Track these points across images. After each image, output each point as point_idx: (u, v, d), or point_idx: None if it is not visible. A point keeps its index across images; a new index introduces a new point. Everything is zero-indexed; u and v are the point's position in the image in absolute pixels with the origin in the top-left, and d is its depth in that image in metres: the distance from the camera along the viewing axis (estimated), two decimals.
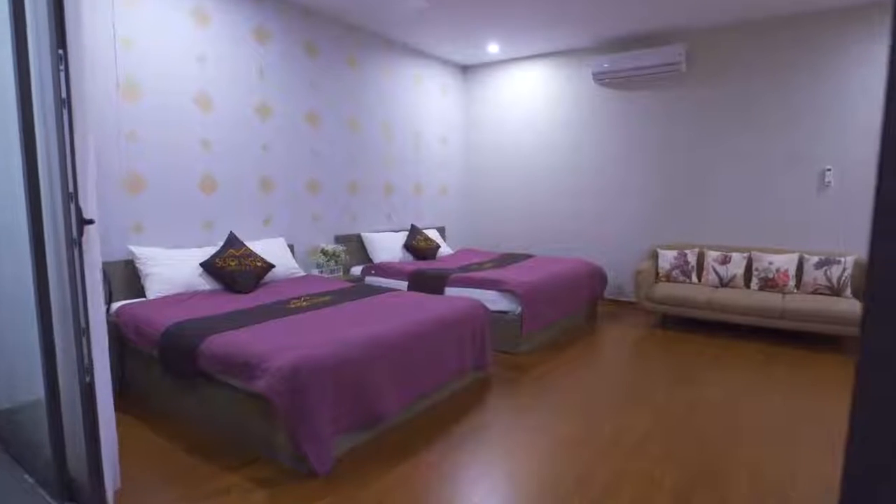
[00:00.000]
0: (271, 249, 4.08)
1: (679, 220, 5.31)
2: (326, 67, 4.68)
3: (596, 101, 5.63)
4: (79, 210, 1.80)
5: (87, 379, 1.83)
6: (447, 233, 6.40)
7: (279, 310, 3.04)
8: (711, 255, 4.87)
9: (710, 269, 4.84)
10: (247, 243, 3.96)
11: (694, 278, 4.91)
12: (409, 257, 5.34)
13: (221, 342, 2.45)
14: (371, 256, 5.12)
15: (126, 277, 3.38)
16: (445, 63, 6.17)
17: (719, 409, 2.99)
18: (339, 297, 3.43)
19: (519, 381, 3.41)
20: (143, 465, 2.35)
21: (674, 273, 4.96)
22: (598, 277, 5.12)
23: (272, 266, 3.88)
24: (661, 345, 4.24)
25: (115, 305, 3.15)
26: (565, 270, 4.69)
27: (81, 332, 1.81)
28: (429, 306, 3.17)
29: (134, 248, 3.37)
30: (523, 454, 2.47)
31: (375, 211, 5.40)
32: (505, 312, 3.98)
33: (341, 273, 4.74)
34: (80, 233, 1.80)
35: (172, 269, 3.41)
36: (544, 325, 4.15)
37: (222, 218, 3.98)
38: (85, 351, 1.82)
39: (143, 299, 3.27)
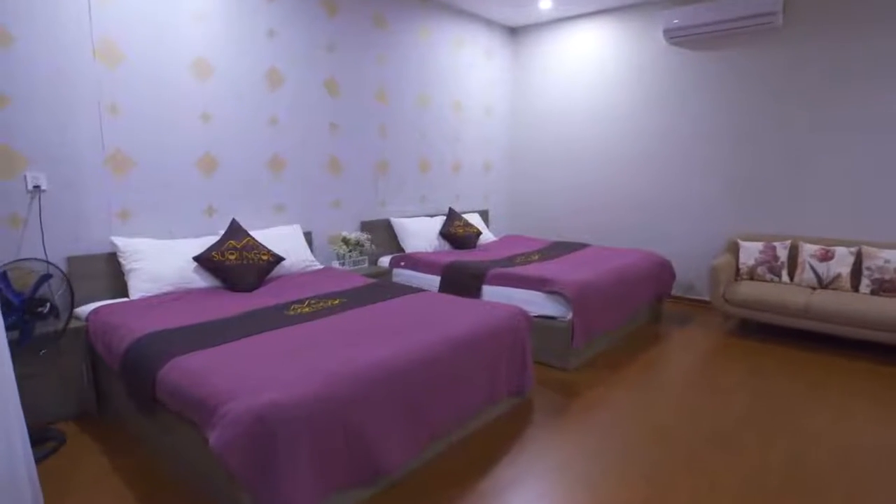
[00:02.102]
0: (284, 239, 3.57)
1: (767, 206, 4.41)
2: (348, 27, 4.06)
3: (666, 64, 4.75)
4: None
5: None
6: (490, 217, 5.73)
7: (273, 318, 2.51)
8: (808, 249, 3.99)
9: (807, 267, 3.97)
10: (256, 232, 3.47)
11: (785, 277, 4.05)
12: (446, 245, 4.72)
13: (181, 369, 1.93)
14: (402, 245, 4.54)
15: (111, 273, 2.94)
16: (491, 24, 5.41)
17: (831, 461, 2.24)
18: (352, 299, 2.87)
19: (566, 410, 2.76)
20: None
21: (759, 270, 4.12)
22: (665, 273, 4.34)
23: (281, 259, 3.36)
24: (743, 360, 3.45)
25: (90, 308, 2.71)
26: (626, 264, 3.95)
27: None
28: (457, 317, 2.55)
29: (116, 240, 2.91)
30: None
31: (408, 193, 4.79)
32: (552, 318, 3.31)
33: (366, 264, 4.18)
34: None
35: (161, 263, 2.94)
36: (599, 333, 3.45)
37: (226, 203, 3.48)
38: None
39: (125, 300, 2.82)
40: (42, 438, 2.36)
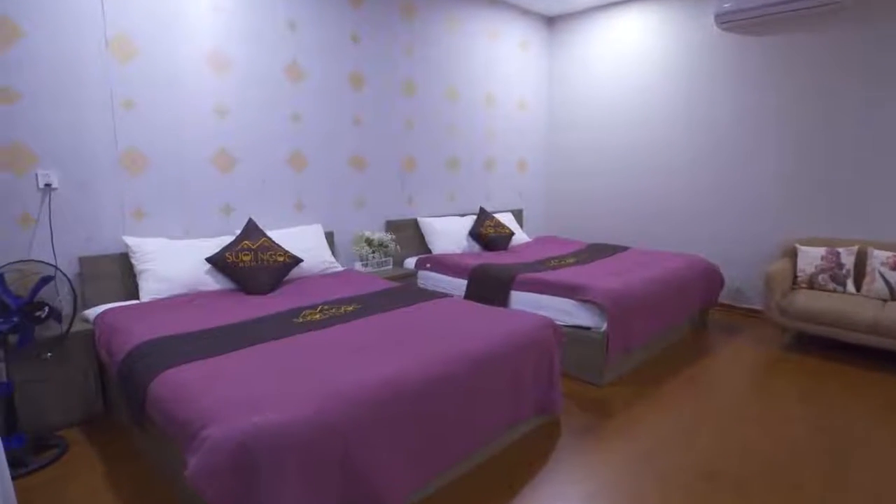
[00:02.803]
0: (303, 239, 3.43)
1: (830, 207, 3.99)
2: (373, 17, 3.88)
3: (717, 52, 4.37)
4: None
5: None
6: (525, 217, 5.46)
7: (280, 326, 2.35)
8: (879, 256, 3.57)
9: (877, 276, 3.55)
10: (275, 232, 3.34)
11: (850, 287, 3.64)
12: (476, 247, 4.50)
13: (170, 383, 1.79)
14: (429, 246, 4.35)
15: (123, 274, 2.86)
16: (526, 13, 5.14)
17: None
18: (367, 306, 2.68)
19: (598, 431, 2.50)
20: None
21: (820, 278, 3.72)
22: (712, 280, 3.99)
23: (299, 260, 3.21)
24: (801, 380, 3.09)
25: (98, 310, 2.62)
26: (670, 270, 3.63)
27: None
28: (478, 328, 2.33)
29: (128, 239, 2.82)
30: None
31: (436, 191, 4.59)
32: (586, 328, 3.05)
33: (391, 266, 4.01)
34: None
35: (172, 264, 2.84)
36: (638, 345, 3.16)
37: (244, 201, 3.36)
38: None
39: (135, 302, 2.73)
40: (44, 446, 2.28)
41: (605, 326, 2.94)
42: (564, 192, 5.57)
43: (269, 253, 3.08)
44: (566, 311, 3.13)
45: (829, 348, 3.59)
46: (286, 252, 3.16)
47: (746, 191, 4.35)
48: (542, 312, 3.19)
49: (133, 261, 2.81)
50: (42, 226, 2.63)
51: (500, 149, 5.08)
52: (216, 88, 3.15)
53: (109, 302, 2.78)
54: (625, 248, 4.45)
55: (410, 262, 4.18)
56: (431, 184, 4.52)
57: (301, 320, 2.44)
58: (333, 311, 2.60)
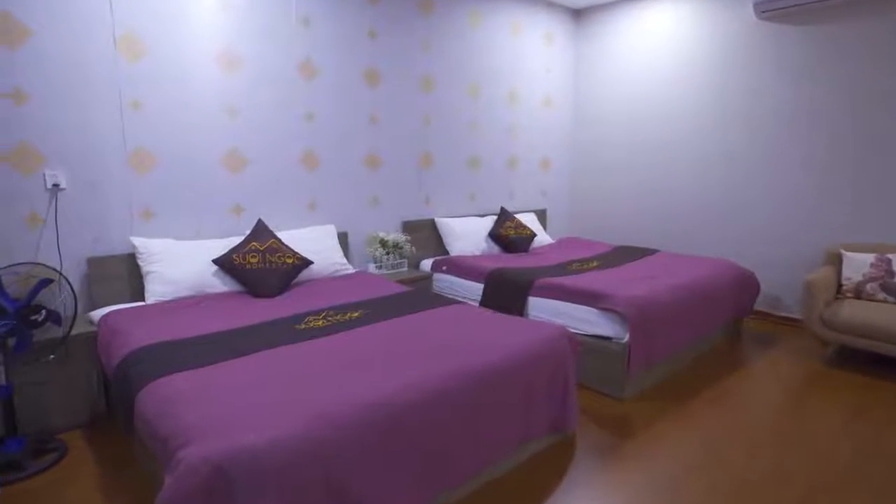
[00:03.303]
0: (315, 240, 3.35)
1: (880, 210, 3.68)
2: (390, 13, 3.76)
3: (756, 44, 4.09)
4: None
5: None
6: (549, 217, 5.27)
7: (281, 333, 2.26)
8: None
9: None
10: (286, 232, 3.27)
11: None
12: (496, 248, 4.35)
13: (156, 394, 1.71)
14: (447, 247, 4.22)
15: (131, 275, 2.82)
16: (552, 6, 4.94)
17: None
18: (374, 312, 2.58)
19: (616, 450, 2.33)
20: None
21: (868, 287, 3.43)
22: (747, 287, 3.74)
23: (308, 262, 3.13)
24: (844, 398, 2.84)
25: (104, 311, 2.59)
26: (699, 276, 3.41)
27: None
28: (487, 338, 2.19)
29: (135, 240, 2.79)
30: None
31: (455, 190, 4.45)
32: (607, 339, 2.87)
33: (406, 268, 3.90)
34: None
35: (179, 266, 2.79)
36: (663, 358, 2.96)
37: (255, 201, 3.30)
38: None
39: (140, 304, 2.69)
40: (44, 449, 2.25)
41: (626, 337, 2.76)
42: (590, 192, 5.35)
43: (277, 255, 3.00)
44: (586, 320, 2.95)
45: (877, 364, 3.30)
46: (295, 254, 3.08)
47: (785, 190, 4.06)
48: (560, 320, 3.05)
49: (140, 262, 2.77)
50: (50, 226, 2.62)
51: (523, 146, 4.91)
52: (227, 87, 3.09)
53: (117, 303, 2.74)
54: (653, 252, 4.23)
55: (427, 264, 4.06)
56: (450, 183, 4.39)
57: (303, 327, 2.35)
58: (338, 317, 2.50)
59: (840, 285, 3.56)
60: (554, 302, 3.12)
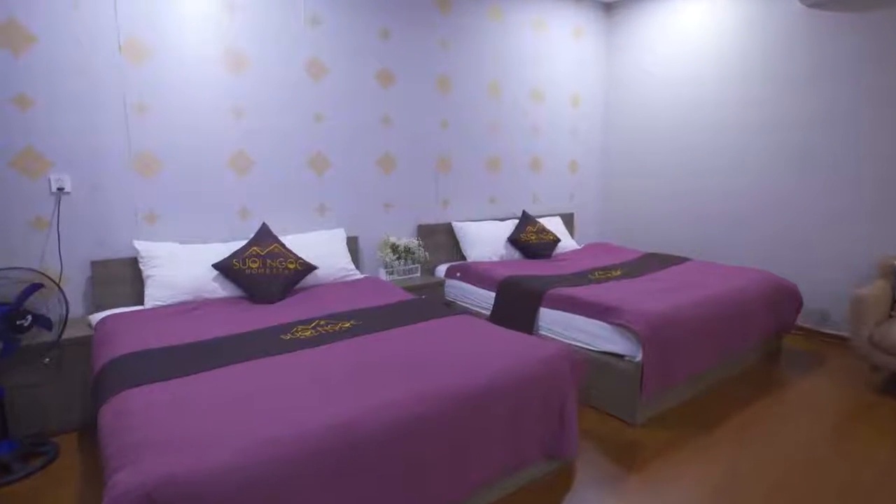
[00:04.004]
0: (322, 244, 3.29)
1: None
2: (404, 11, 3.65)
3: (804, 35, 3.73)
4: None
5: None
6: (576, 222, 5.03)
7: (264, 344, 2.19)
8: None
9: None
10: (293, 236, 3.24)
11: None
12: (516, 254, 4.17)
13: (119, 408, 1.66)
14: (464, 253, 4.07)
15: (134, 279, 2.83)
16: (580, 0, 4.70)
17: None
18: (368, 322, 2.47)
19: (621, 483, 2.13)
20: None
21: None
22: (787, 301, 3.42)
23: (312, 268, 3.07)
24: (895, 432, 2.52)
25: (102, 315, 2.60)
26: (731, 289, 3.13)
27: None
28: (477, 356, 2.04)
29: (138, 244, 2.79)
30: None
31: (474, 194, 4.30)
32: (620, 356, 2.65)
33: (419, 274, 3.78)
34: None
35: (179, 270, 2.78)
36: (681, 379, 2.72)
37: (262, 204, 3.26)
38: None
39: (138, 308, 2.68)
40: (35, 453, 2.27)
41: (640, 356, 2.54)
42: (621, 195, 5.07)
43: (278, 260, 2.95)
44: (598, 335, 2.75)
45: None
46: (297, 259, 3.02)
47: (834, 196, 3.69)
48: (572, 334, 2.87)
49: (141, 266, 2.77)
50: (54, 229, 2.65)
51: (548, 148, 4.70)
52: (233, 89, 3.06)
53: (120, 306, 2.76)
54: (683, 260, 3.94)
55: (442, 270, 3.93)
56: (469, 186, 4.24)
57: (289, 337, 2.27)
58: (329, 327, 2.41)
59: (894, 302, 3.19)
60: (566, 314, 2.92)
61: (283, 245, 3.04)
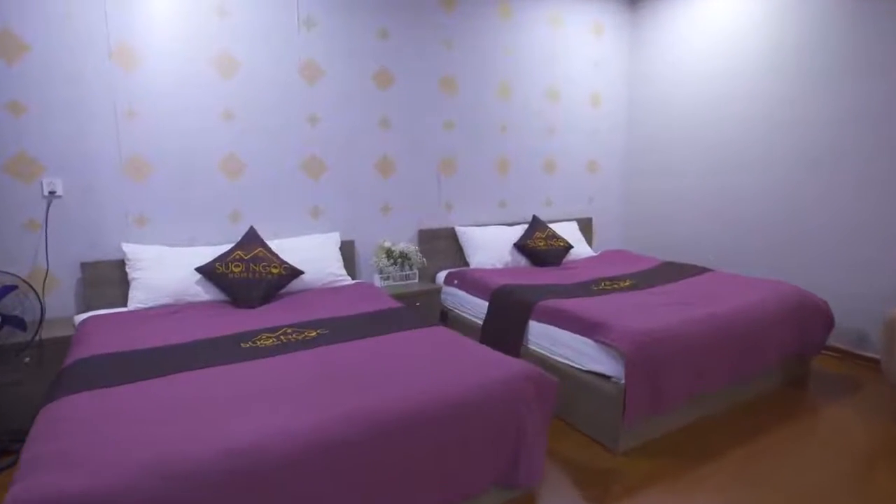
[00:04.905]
0: (312, 249, 3.26)
1: None
2: (405, 11, 3.56)
3: (848, 25, 3.35)
4: None
5: None
6: (595, 227, 4.79)
7: (223, 351, 2.15)
8: None
9: None
10: (284, 240, 3.24)
11: None
12: (523, 261, 4.00)
13: (48, 416, 1.65)
14: (467, 259, 3.94)
15: (122, 281, 2.89)
16: None
17: None
18: (337, 332, 2.39)
19: None
20: None
21: None
22: (813, 319, 3.08)
23: (297, 273, 3.04)
24: None
25: (85, 316, 2.66)
26: (745, 304, 2.86)
27: None
28: (432, 373, 1.93)
29: (126, 247, 2.85)
30: None
31: (481, 197, 4.16)
32: (606, 377, 2.46)
33: (417, 280, 3.69)
34: None
35: (162, 273, 2.81)
36: (676, 404, 2.49)
37: (253, 208, 3.27)
38: None
39: (120, 310, 2.73)
40: (11, 450, 2.34)
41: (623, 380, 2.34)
42: (645, 199, 4.78)
43: (262, 264, 2.93)
44: (584, 353, 2.56)
45: None
46: (282, 264, 2.99)
47: (878, 203, 3.30)
48: (560, 351, 2.70)
49: (127, 268, 2.83)
50: (48, 232, 2.73)
51: (564, 149, 4.48)
52: (224, 92, 3.07)
53: (108, 308, 2.82)
54: (704, 271, 3.65)
55: (442, 277, 3.82)
56: (477, 189, 4.10)
57: (248, 346, 2.23)
58: (293, 335, 2.35)
59: None
60: (553, 329, 2.74)
61: (268, 249, 3.02)
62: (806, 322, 3.06)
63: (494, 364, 2.05)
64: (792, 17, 3.59)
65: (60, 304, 2.81)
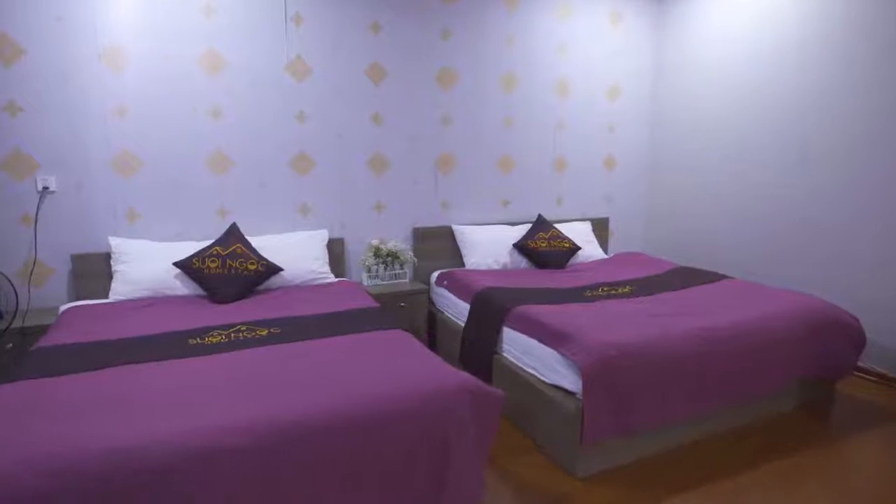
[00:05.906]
0: (296, 246, 3.25)
1: None
2: (398, 3, 3.47)
3: (888, 10, 2.93)
4: None
5: None
6: (612, 227, 4.50)
7: (171, 346, 2.16)
8: None
9: None
10: (268, 237, 3.25)
11: None
12: (523, 263, 3.81)
13: None
14: (464, 259, 3.80)
15: (110, 273, 2.99)
16: None
17: None
18: (291, 331, 2.34)
19: None
20: None
21: None
22: (838, 338, 2.73)
23: (276, 270, 3.03)
24: None
25: (66, 306, 2.77)
26: (751, 317, 2.58)
27: None
28: (363, 379, 1.85)
29: (112, 240, 2.95)
30: None
31: (484, 196, 4.00)
32: (570, 393, 2.27)
33: (407, 280, 3.61)
34: None
35: (143, 266, 2.89)
36: (649, 426, 2.25)
37: (240, 204, 3.30)
38: None
39: (101, 302, 2.83)
40: None
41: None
42: (667, 198, 4.43)
43: (238, 260, 2.95)
44: (550, 365, 2.38)
45: None
46: (259, 260, 3.00)
47: None
48: (530, 361, 2.53)
49: (112, 261, 2.92)
50: (40, 226, 2.88)
51: (576, 145, 4.23)
52: (211, 89, 3.11)
53: (95, 299, 2.93)
54: (719, 278, 3.33)
55: (435, 277, 3.71)
56: (477, 187, 3.95)
57: (195, 342, 2.23)
58: (244, 333, 2.33)
59: None
60: (524, 337, 2.57)
61: (247, 245, 3.04)
62: (829, 341, 2.71)
63: (429, 375, 1.93)
64: (830, 7, 3.19)
65: (53, 293, 2.95)
